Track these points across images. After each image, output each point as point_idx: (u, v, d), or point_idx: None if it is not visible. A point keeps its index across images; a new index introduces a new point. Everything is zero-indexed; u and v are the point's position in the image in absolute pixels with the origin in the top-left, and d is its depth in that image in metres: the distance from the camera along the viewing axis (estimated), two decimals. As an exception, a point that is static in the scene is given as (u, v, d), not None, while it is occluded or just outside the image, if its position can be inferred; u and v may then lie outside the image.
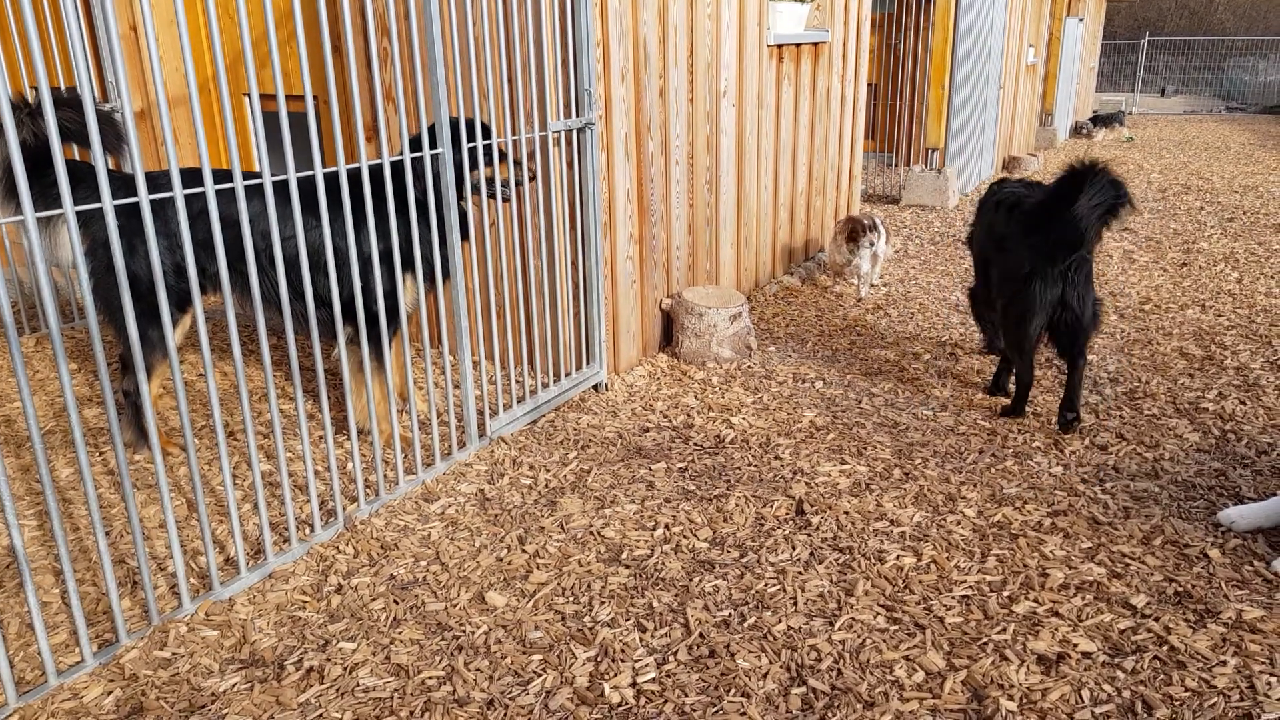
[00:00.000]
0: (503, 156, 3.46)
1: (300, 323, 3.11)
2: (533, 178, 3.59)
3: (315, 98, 4.20)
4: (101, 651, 2.41)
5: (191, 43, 3.43)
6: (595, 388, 4.17)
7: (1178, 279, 6.17)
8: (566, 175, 3.84)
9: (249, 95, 3.91)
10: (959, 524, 3.04)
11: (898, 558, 2.84)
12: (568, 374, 4.07)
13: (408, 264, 3.31)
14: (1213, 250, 7.07)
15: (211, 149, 4.85)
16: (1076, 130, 15.88)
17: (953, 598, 2.64)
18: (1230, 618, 2.51)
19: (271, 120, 4.61)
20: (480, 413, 3.72)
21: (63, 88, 4.99)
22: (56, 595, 2.68)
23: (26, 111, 2.77)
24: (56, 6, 4.73)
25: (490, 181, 3.43)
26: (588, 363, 4.13)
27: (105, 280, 3.04)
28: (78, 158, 3.76)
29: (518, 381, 4.12)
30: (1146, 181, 11.28)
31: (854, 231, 5.56)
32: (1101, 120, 16.02)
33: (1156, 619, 2.52)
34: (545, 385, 3.99)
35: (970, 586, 2.70)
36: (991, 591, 2.67)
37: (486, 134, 3.39)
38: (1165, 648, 2.41)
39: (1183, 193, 10.22)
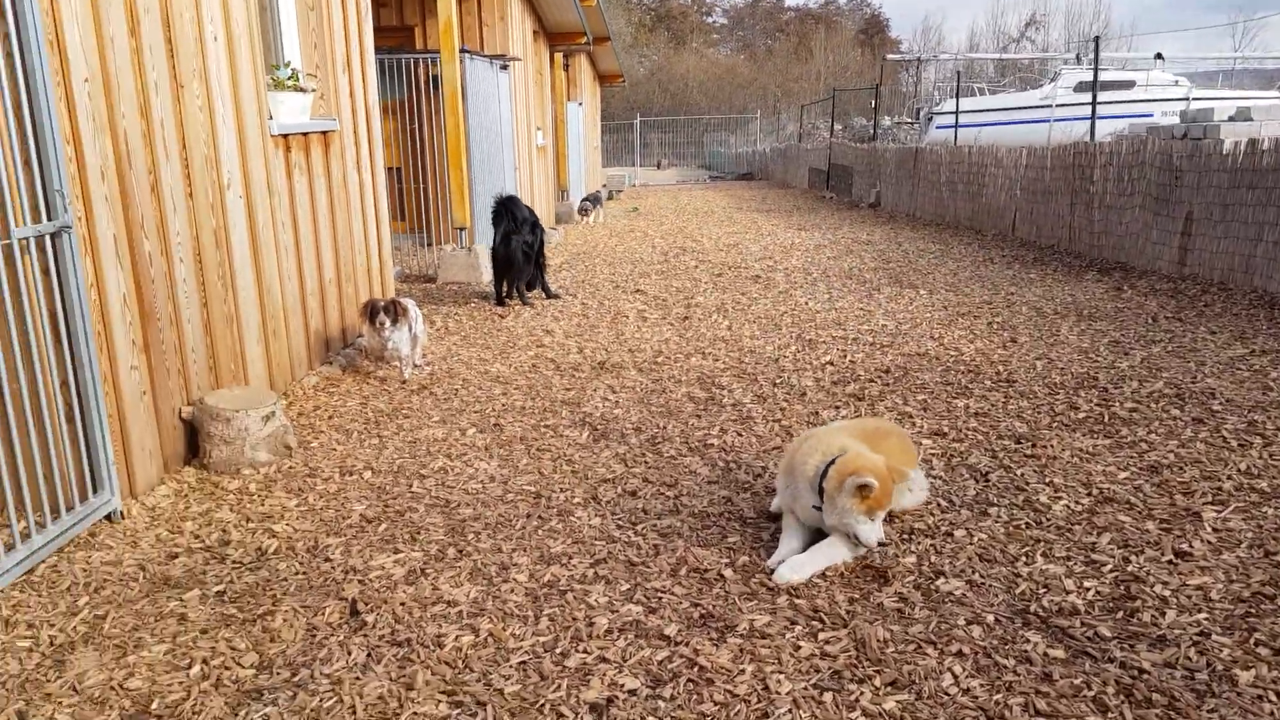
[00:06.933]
0: None
1: None
2: None
3: None
4: None
5: None
6: (109, 517, 3.69)
7: (682, 331, 7.01)
8: (43, 284, 3.38)
9: None
10: (513, 591, 3.13)
11: (456, 638, 2.84)
12: (69, 508, 3.54)
13: None
14: (706, 303, 8.14)
15: None
16: (581, 211, 16.43)
17: (510, 666, 2.70)
18: (744, 629, 2.86)
19: None
20: (-46, 574, 3.10)
21: None
22: None
23: None
24: None
25: None
26: (95, 491, 3.64)
27: None
28: None
29: (4, 526, 3.50)
30: (651, 246, 12.70)
31: (372, 312, 5.56)
32: (591, 200, 16.82)
33: (686, 644, 2.79)
34: (41, 525, 3.43)
35: (527, 651, 2.77)
36: (545, 651, 2.77)
37: None
38: (695, 669, 2.67)
39: (680, 254, 11.67)
